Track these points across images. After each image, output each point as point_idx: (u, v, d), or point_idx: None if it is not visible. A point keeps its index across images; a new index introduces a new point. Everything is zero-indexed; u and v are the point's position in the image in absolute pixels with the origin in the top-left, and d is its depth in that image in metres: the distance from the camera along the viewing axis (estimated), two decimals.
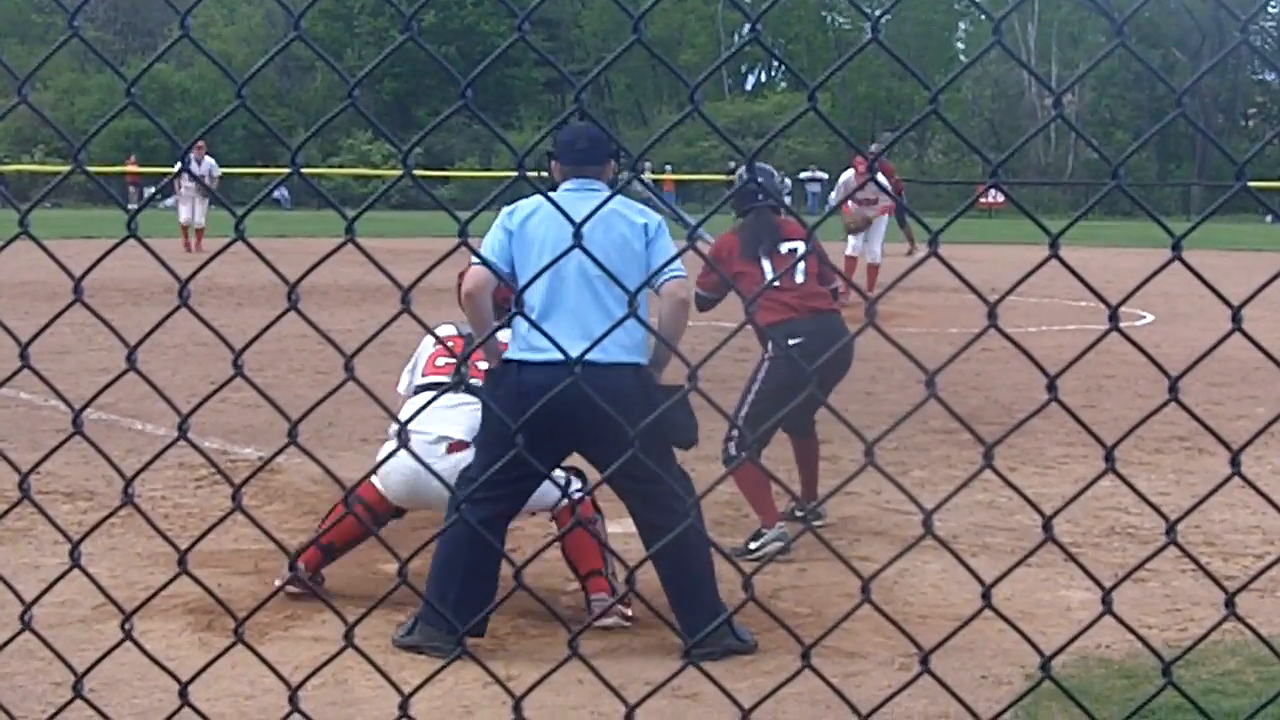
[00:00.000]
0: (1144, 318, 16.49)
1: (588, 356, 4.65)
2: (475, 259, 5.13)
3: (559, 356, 4.69)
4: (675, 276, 5.11)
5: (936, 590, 5.90)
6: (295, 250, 23.16)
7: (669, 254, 5.15)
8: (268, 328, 1.72)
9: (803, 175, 52.25)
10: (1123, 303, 1.69)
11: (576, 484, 5.77)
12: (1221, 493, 2.03)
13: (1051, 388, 1.68)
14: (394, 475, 5.61)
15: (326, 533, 5.68)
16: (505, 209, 5.30)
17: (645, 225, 5.19)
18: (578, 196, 5.13)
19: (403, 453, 5.55)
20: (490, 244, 5.20)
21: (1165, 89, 57.30)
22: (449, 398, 5.58)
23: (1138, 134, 60.45)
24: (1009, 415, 9.73)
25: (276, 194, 52.28)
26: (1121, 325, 1.72)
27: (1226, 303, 1.67)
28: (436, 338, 1.92)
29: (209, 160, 26.19)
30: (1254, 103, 66.78)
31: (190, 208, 26.34)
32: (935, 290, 17.62)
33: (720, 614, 4.96)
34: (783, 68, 69.86)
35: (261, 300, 17.19)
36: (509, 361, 5.02)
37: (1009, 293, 1.71)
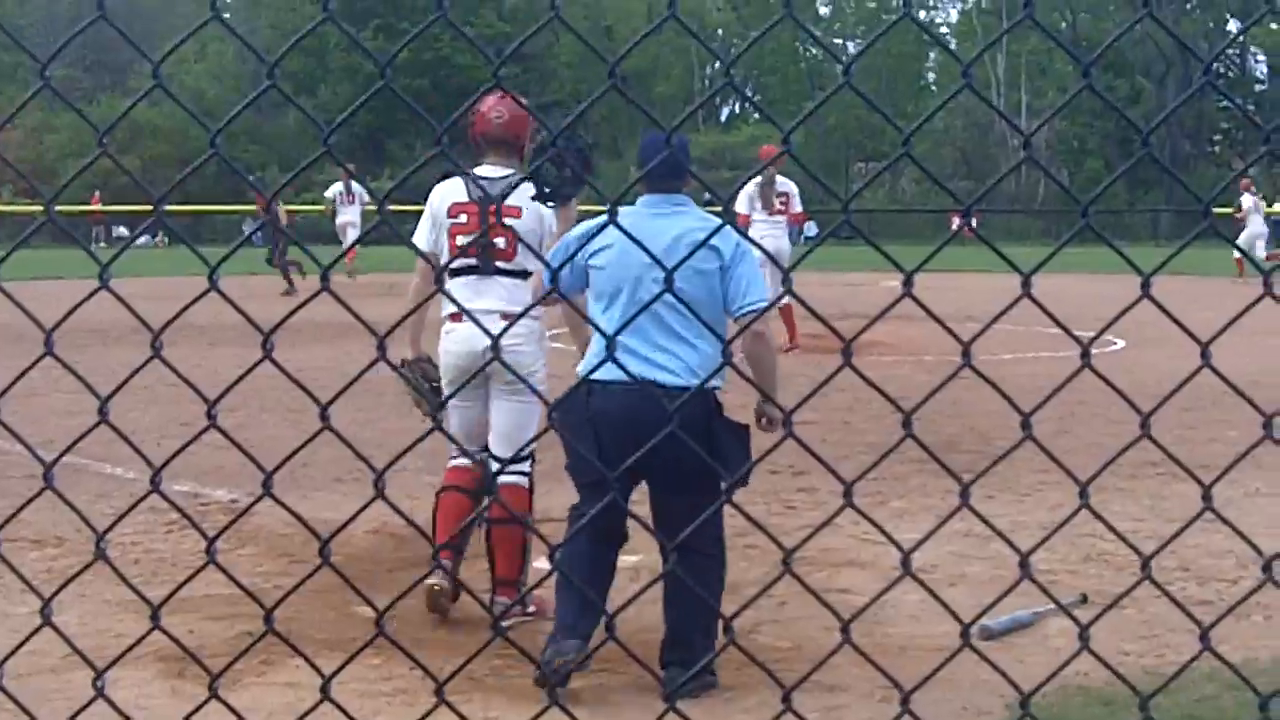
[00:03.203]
0: (1115, 344, 16.56)
1: (656, 379, 4.82)
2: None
3: (628, 377, 4.74)
4: (752, 308, 4.99)
5: (915, 621, 5.89)
6: (269, 292, 23.11)
7: (747, 280, 5.01)
8: (241, 378, 1.72)
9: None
10: (1094, 340, 1.70)
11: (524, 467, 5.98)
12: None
13: (1026, 425, 1.69)
14: (451, 351, 5.91)
15: (437, 536, 5.92)
16: (580, 227, 5.29)
17: (720, 250, 5.00)
18: (657, 215, 5.03)
19: (457, 329, 5.91)
20: (564, 274, 5.15)
21: (1134, 117, 57.66)
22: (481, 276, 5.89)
23: (1108, 160, 60.85)
24: (985, 443, 9.75)
25: (249, 230, 52.28)
26: (1093, 351, 1.73)
27: (1195, 339, 1.68)
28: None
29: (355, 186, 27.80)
30: (1219, 129, 67.40)
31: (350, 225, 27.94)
32: (910, 319, 17.66)
33: (705, 654, 4.94)
34: (755, 97, 70.17)
35: (233, 339, 17.10)
36: (581, 381, 5.04)
37: (982, 333, 1.71)
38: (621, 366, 2.20)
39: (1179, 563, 6.79)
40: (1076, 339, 1.68)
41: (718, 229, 4.64)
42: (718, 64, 66.75)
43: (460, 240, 5.92)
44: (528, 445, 5.76)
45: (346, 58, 60.89)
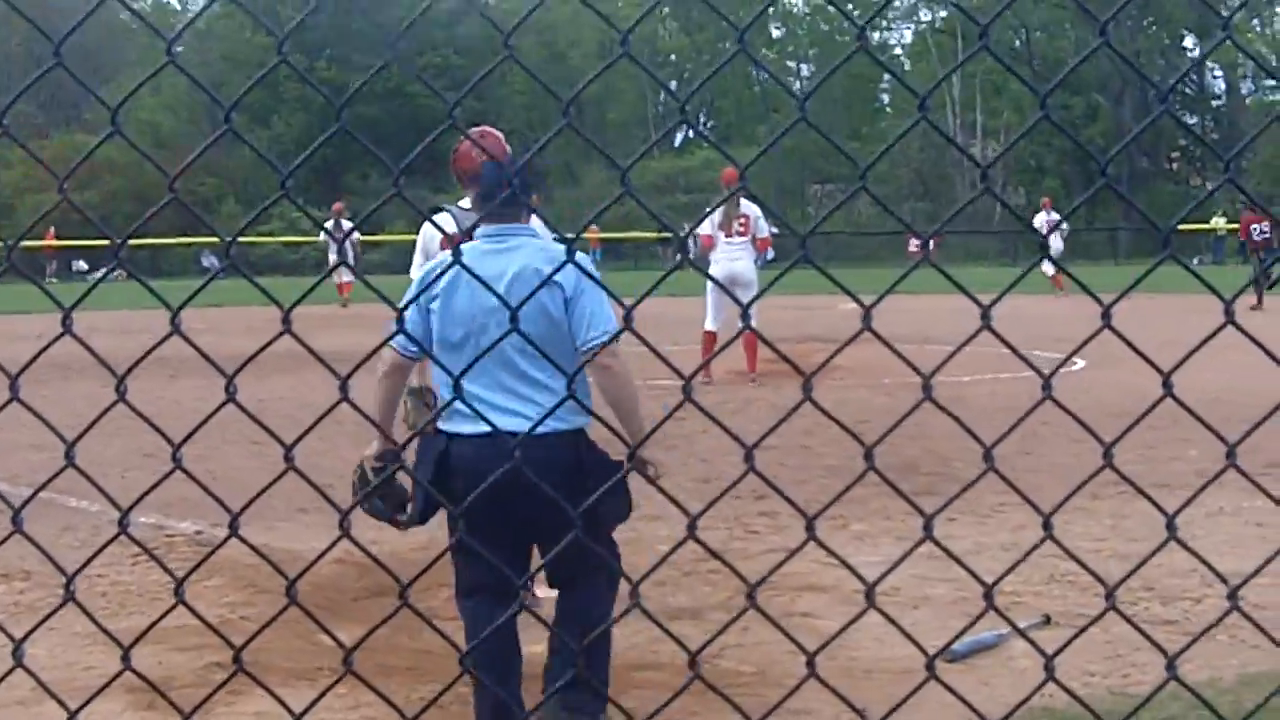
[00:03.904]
0: (1076, 364, 16.66)
1: (515, 428, 4.45)
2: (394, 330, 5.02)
3: (487, 429, 4.41)
4: (595, 344, 4.64)
5: (880, 644, 5.90)
6: (230, 325, 23.02)
7: (590, 313, 4.67)
8: (205, 422, 1.72)
9: None
10: (1054, 372, 1.72)
11: None
12: (1160, 534, 2.06)
13: (988, 458, 1.71)
14: None
15: None
16: (419, 273, 4.97)
17: (561, 284, 4.64)
18: (495, 251, 4.70)
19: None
20: (411, 318, 4.75)
21: (1091, 135, 57.90)
22: None
23: (1065, 180, 61.23)
24: (945, 464, 9.79)
25: (206, 262, 52.18)
26: (1057, 372, 1.75)
27: (1157, 369, 1.70)
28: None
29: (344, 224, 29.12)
30: (1176, 146, 67.94)
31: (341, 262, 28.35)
32: (869, 341, 17.69)
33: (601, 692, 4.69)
34: (710, 124, 70.43)
35: (195, 371, 16.94)
36: (439, 432, 4.71)
37: (941, 366, 1.73)
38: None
39: (1143, 582, 6.82)
40: (1038, 370, 1.70)
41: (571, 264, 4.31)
42: (673, 90, 66.91)
43: None
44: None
45: (300, 89, 60.75)
